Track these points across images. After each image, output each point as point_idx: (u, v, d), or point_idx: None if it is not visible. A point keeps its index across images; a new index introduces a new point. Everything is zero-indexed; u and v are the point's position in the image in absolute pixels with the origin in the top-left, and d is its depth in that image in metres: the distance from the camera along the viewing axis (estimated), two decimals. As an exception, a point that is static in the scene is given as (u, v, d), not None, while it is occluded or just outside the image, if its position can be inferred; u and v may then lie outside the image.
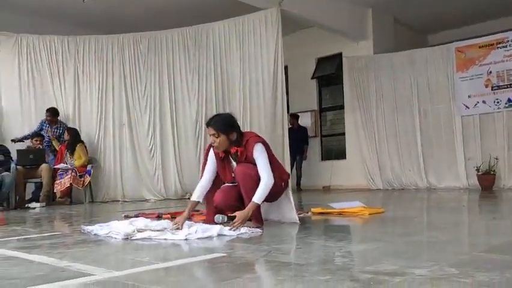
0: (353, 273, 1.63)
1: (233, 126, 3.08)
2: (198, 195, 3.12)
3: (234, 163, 3.12)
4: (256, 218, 3.03)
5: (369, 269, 1.66)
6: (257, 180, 2.97)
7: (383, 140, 8.76)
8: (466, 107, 7.92)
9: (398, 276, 1.55)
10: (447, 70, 8.13)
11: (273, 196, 3.12)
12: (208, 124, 3.11)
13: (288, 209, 3.24)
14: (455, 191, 7.31)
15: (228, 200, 3.07)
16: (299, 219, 3.22)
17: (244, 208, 2.92)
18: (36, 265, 1.95)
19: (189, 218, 3.13)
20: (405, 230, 2.90)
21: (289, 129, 9.43)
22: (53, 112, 7.36)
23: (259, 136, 3.23)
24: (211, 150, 3.19)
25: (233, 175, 3.11)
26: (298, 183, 9.44)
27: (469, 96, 7.90)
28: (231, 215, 2.86)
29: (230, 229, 2.74)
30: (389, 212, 3.96)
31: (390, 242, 2.37)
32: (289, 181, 3.34)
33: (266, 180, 2.94)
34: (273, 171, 3.03)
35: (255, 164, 3.02)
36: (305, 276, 1.61)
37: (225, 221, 2.82)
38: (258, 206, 2.95)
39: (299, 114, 9.82)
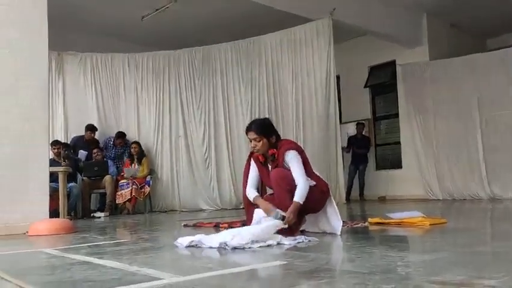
0: (418, 282, 1.60)
1: (272, 130, 3.18)
2: (253, 192, 3.18)
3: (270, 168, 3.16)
4: (291, 229, 2.96)
5: (434, 279, 1.63)
6: (291, 181, 2.98)
7: (441, 148, 8.46)
8: (532, 112, 7.52)
9: (466, 286, 1.51)
10: (509, 75, 7.77)
11: (315, 207, 3.12)
12: (248, 129, 3.18)
13: (333, 218, 3.17)
14: (522, 201, 6.93)
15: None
16: (341, 231, 3.14)
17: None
18: (109, 269, 2.07)
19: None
20: (469, 241, 2.80)
21: (353, 137, 9.35)
22: (123, 136, 7.76)
23: (295, 143, 3.26)
24: (252, 160, 3.27)
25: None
26: (361, 193, 9.27)
27: (534, 102, 7.50)
28: (283, 213, 2.87)
29: (284, 223, 2.78)
30: (450, 223, 3.82)
31: (454, 252, 2.31)
32: (331, 191, 3.28)
33: (302, 183, 2.95)
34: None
35: (288, 169, 3.05)
36: (368, 284, 1.60)
37: (278, 217, 2.84)
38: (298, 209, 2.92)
39: (353, 123, 9.70)
